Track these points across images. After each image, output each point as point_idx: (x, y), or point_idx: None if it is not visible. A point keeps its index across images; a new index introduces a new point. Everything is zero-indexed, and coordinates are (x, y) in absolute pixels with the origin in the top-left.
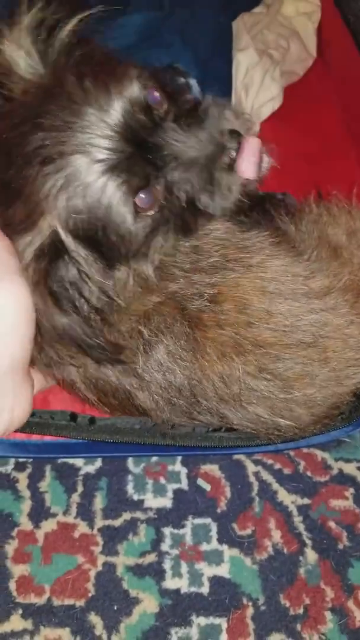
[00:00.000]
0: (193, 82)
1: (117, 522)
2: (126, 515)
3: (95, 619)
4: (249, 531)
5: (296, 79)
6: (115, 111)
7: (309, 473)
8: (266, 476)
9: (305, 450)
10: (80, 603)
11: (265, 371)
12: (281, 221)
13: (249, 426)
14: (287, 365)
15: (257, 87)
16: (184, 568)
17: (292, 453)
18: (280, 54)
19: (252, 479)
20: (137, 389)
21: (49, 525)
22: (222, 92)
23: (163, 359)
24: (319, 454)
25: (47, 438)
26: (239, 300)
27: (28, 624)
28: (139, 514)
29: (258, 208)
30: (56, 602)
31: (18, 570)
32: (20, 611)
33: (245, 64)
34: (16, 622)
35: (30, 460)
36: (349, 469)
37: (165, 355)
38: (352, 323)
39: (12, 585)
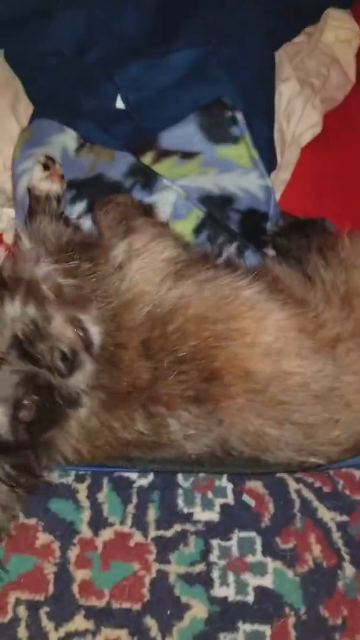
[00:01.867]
0: (239, 115)
1: (169, 533)
2: (177, 527)
3: (150, 621)
4: (291, 545)
5: (336, 104)
6: None
7: (347, 491)
8: (307, 494)
9: (344, 470)
10: (137, 607)
11: (287, 422)
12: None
13: (283, 464)
14: (306, 415)
15: (299, 115)
16: (230, 578)
17: (331, 472)
18: (321, 81)
19: (294, 496)
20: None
21: (107, 534)
22: (266, 121)
23: (181, 428)
24: (357, 473)
25: None
26: (241, 370)
27: (90, 625)
28: (188, 526)
29: (299, 233)
30: (115, 605)
31: (80, 574)
32: (82, 612)
33: (287, 94)
34: (79, 622)
35: (89, 472)
36: None
37: (184, 427)
38: None
39: (75, 589)
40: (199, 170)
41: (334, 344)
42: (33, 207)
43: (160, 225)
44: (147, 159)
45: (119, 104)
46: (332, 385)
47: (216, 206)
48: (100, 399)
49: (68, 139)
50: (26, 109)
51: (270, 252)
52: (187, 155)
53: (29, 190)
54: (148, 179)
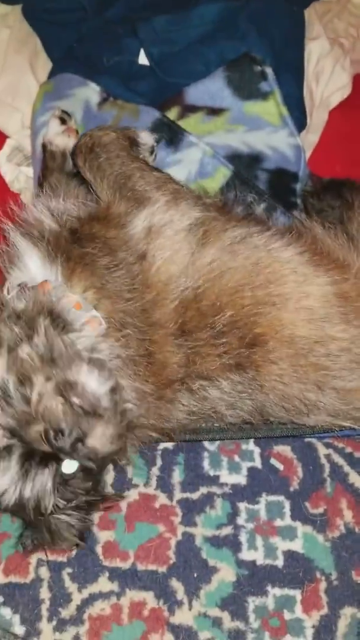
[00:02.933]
0: (269, 70)
1: (195, 496)
2: (203, 490)
3: (176, 584)
4: (321, 510)
5: None
6: None
7: None
8: (337, 459)
9: None
10: (163, 569)
11: (327, 386)
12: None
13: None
14: (346, 380)
15: (328, 76)
16: (259, 541)
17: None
18: (350, 42)
19: (323, 460)
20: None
21: (131, 496)
22: (295, 80)
23: (222, 397)
24: None
25: None
26: (285, 335)
27: (114, 586)
28: (215, 489)
29: (333, 193)
30: (140, 567)
31: (104, 536)
32: (107, 574)
33: (317, 53)
34: (104, 584)
35: None
36: None
37: (225, 396)
38: None
39: (99, 550)
40: (227, 127)
41: None
42: (49, 164)
43: (169, 182)
44: (172, 114)
45: (143, 59)
46: None
47: (244, 165)
48: (144, 399)
49: (91, 92)
50: (44, 66)
51: (299, 214)
52: (214, 111)
53: (44, 147)
54: (174, 135)
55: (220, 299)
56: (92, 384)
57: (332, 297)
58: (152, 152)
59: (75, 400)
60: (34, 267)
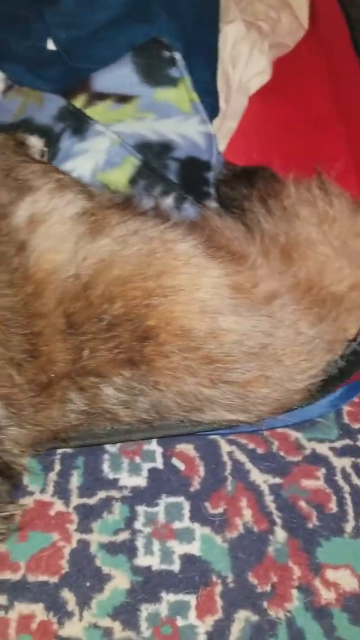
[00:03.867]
0: (178, 56)
1: (92, 501)
2: (101, 494)
3: (68, 595)
4: (220, 510)
5: (287, 51)
6: None
7: (282, 453)
8: (240, 456)
9: (279, 430)
10: (54, 579)
11: (219, 381)
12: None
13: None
14: (239, 372)
15: (245, 60)
16: (155, 546)
17: (266, 433)
18: (270, 25)
19: (225, 458)
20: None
21: (26, 504)
22: (208, 65)
23: (115, 395)
24: (293, 434)
25: None
26: (177, 327)
27: (2, 600)
28: (114, 493)
29: (244, 181)
30: (31, 578)
31: None
32: None
33: (233, 36)
34: None
35: None
36: (322, 449)
37: (118, 393)
38: (300, 320)
39: None
40: (136, 115)
41: (270, 299)
42: None
43: (54, 171)
44: (79, 102)
45: (51, 45)
46: (265, 342)
47: (154, 154)
48: (25, 402)
49: None
50: None
51: (212, 204)
52: (123, 98)
53: None
54: (80, 123)
55: (110, 290)
56: None
57: (225, 288)
58: (42, 155)
59: None
60: None
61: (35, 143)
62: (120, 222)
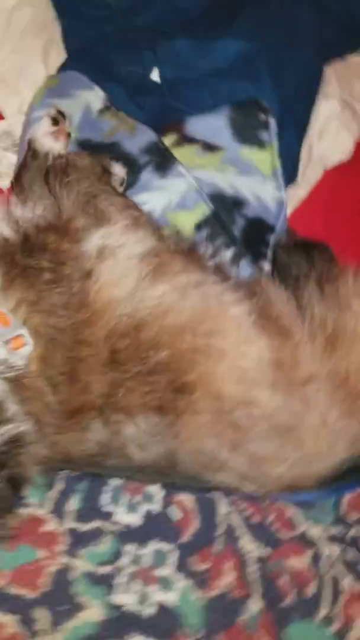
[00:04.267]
0: (272, 121)
1: (86, 527)
2: (95, 523)
3: (42, 613)
4: (205, 567)
5: None
6: None
7: (275, 526)
8: (235, 519)
9: (277, 503)
10: (33, 595)
11: (241, 448)
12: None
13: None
14: (261, 446)
15: (332, 136)
16: (135, 586)
17: (265, 503)
18: None
19: (221, 518)
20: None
21: (21, 515)
22: (297, 135)
23: (135, 435)
24: (290, 509)
25: None
26: (213, 389)
27: None
28: (107, 525)
29: (303, 252)
30: (11, 589)
31: None
32: None
33: (326, 112)
34: None
35: None
36: (314, 531)
37: (139, 435)
38: (331, 409)
39: None
40: (219, 166)
41: (307, 382)
42: (27, 160)
43: (132, 207)
44: (169, 140)
45: (155, 76)
46: (292, 423)
47: (225, 207)
48: (50, 422)
49: (94, 97)
50: (58, 56)
51: (267, 266)
52: (210, 147)
53: (29, 142)
54: (164, 161)
55: (160, 336)
56: None
57: (267, 362)
58: (121, 183)
59: None
60: None
61: (119, 172)
62: (182, 271)
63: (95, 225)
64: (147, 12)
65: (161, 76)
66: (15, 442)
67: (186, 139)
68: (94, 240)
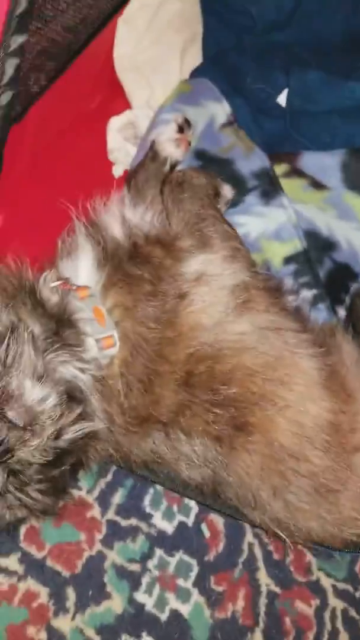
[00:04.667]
0: None
1: (124, 523)
2: (133, 521)
3: (71, 593)
4: (220, 589)
5: None
6: None
7: (292, 568)
8: (257, 551)
9: (299, 546)
10: (66, 574)
11: (280, 496)
12: None
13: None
14: (301, 500)
15: None
16: (156, 590)
17: (287, 544)
18: None
19: (245, 546)
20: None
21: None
22: None
23: (189, 455)
24: (309, 556)
25: None
26: (270, 436)
27: (20, 569)
28: (143, 526)
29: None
30: (49, 562)
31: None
32: (19, 554)
33: None
34: (13, 562)
35: None
36: (325, 582)
37: (193, 455)
38: None
39: (22, 530)
40: (320, 205)
41: (357, 450)
42: (147, 161)
43: (235, 239)
44: (280, 169)
45: (282, 100)
46: (335, 487)
47: (317, 246)
48: (120, 423)
49: (220, 110)
50: (194, 56)
51: (343, 312)
52: (317, 185)
53: (152, 144)
54: (271, 190)
55: (233, 373)
56: (31, 398)
57: (325, 423)
58: (226, 203)
59: (9, 412)
60: (83, 268)
61: (227, 193)
62: (265, 310)
63: (198, 249)
64: (287, 30)
65: (288, 103)
66: (89, 436)
67: (296, 172)
68: (194, 265)
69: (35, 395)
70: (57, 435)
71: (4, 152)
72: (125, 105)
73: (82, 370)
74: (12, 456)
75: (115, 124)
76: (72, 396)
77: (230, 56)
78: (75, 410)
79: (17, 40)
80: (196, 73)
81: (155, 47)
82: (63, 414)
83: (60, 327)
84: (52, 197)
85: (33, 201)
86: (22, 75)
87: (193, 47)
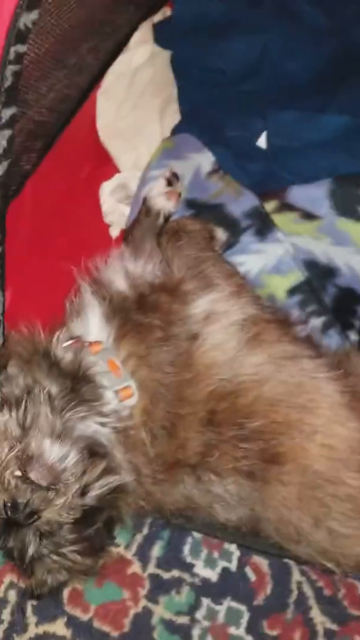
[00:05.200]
0: None
1: (166, 575)
2: (175, 572)
3: None
4: (275, 633)
5: None
6: None
7: (345, 602)
8: (307, 589)
9: (349, 579)
10: (115, 634)
11: (322, 525)
12: None
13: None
14: (343, 525)
15: None
16: None
17: (336, 577)
18: None
19: (293, 586)
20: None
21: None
22: None
23: (224, 496)
24: None
25: None
26: (303, 464)
27: (68, 633)
28: (186, 576)
29: None
30: (96, 623)
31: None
32: (65, 619)
33: None
34: (59, 627)
35: None
36: None
37: (226, 496)
38: None
39: (65, 594)
40: (315, 234)
41: None
42: (141, 216)
43: (237, 275)
44: (270, 206)
45: (261, 142)
46: None
47: (318, 274)
48: (148, 473)
49: (205, 160)
50: (172, 116)
51: (353, 337)
52: (308, 215)
53: (144, 200)
54: (265, 226)
55: (255, 405)
56: (51, 457)
57: (357, 444)
58: (221, 246)
59: (33, 474)
60: (93, 324)
61: (221, 236)
62: (277, 341)
63: (203, 290)
64: (257, 78)
65: (268, 144)
66: (117, 490)
67: (286, 207)
68: (202, 305)
69: (55, 453)
70: (83, 492)
71: (5, 227)
72: (114, 169)
73: (102, 424)
74: (39, 517)
75: (107, 188)
76: (94, 452)
77: (205, 110)
78: (99, 466)
79: (7, 112)
80: (176, 130)
81: (134, 112)
82: (86, 470)
83: (77, 384)
84: (54, 264)
85: (37, 270)
86: (14, 157)
87: (170, 107)
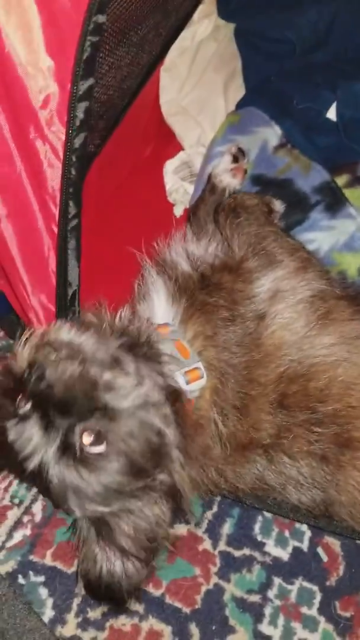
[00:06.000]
0: None
1: (237, 553)
2: (246, 551)
3: (194, 629)
4: (348, 614)
5: None
6: None
7: None
8: None
9: None
10: (187, 610)
11: None
12: None
13: None
14: None
15: None
16: (280, 620)
17: None
18: None
19: None
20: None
21: (180, 530)
22: None
23: (297, 478)
24: None
25: None
26: None
27: (140, 608)
28: (257, 554)
29: None
30: (168, 600)
31: None
32: None
33: None
34: (132, 602)
35: None
36: None
37: (300, 478)
38: None
39: None
40: None
41: None
42: (206, 194)
43: (301, 249)
44: (341, 180)
45: (331, 114)
46: None
47: None
48: (218, 452)
49: (272, 134)
50: (237, 90)
51: None
52: None
53: (209, 177)
54: (336, 202)
55: (329, 388)
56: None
57: None
58: (280, 218)
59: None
60: (159, 305)
61: (279, 208)
62: (349, 319)
63: (267, 267)
64: (326, 49)
65: (338, 116)
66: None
67: (358, 181)
68: (267, 283)
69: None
70: None
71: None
72: (177, 147)
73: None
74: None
75: (170, 166)
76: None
77: (273, 83)
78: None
79: (85, 84)
80: (241, 104)
81: (198, 88)
82: None
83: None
84: (119, 246)
85: (103, 252)
86: None
87: (234, 82)
